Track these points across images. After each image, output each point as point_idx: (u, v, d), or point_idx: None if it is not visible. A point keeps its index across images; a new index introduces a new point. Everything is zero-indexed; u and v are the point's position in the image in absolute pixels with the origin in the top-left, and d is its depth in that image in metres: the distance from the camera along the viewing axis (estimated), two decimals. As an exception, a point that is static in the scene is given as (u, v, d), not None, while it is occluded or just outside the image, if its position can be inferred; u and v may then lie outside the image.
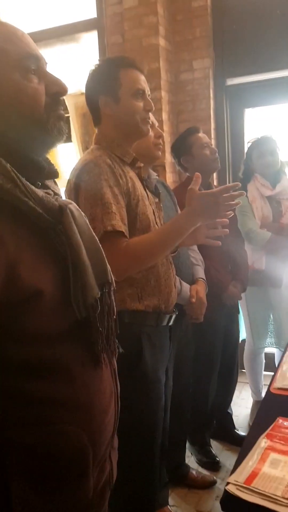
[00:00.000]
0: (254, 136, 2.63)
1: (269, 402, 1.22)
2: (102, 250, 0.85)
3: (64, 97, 2.96)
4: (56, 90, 0.79)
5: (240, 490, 0.85)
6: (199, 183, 1.34)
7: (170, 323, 1.55)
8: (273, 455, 0.94)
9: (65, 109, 3.10)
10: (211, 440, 2.43)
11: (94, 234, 0.85)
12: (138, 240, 1.35)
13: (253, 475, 0.89)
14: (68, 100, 3.00)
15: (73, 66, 3.30)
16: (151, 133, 1.66)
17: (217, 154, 2.23)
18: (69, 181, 1.42)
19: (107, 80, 1.41)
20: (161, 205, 1.62)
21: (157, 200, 1.58)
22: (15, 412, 0.73)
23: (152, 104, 1.48)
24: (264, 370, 2.74)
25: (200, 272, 2.00)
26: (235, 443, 2.41)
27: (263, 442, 0.99)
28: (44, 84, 0.78)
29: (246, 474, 0.89)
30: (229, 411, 2.57)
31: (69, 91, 3.15)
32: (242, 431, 2.52)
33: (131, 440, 1.46)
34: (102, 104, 1.43)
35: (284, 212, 2.51)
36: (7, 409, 0.73)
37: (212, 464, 2.26)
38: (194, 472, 2.17)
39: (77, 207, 0.83)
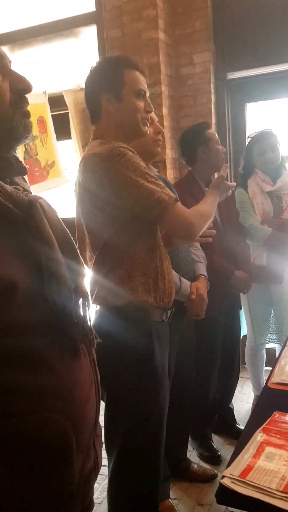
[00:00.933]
0: (254, 131, 2.61)
1: (267, 396, 1.23)
2: (74, 243, 0.87)
3: (63, 93, 2.94)
4: (21, 87, 0.81)
5: (235, 483, 0.86)
6: (227, 171, 1.64)
7: (170, 320, 1.56)
8: (268, 449, 0.94)
9: (58, 107, 3.10)
10: (213, 435, 2.44)
11: (65, 227, 0.86)
12: (196, 206, 1.52)
13: (248, 469, 0.89)
14: (67, 96, 2.99)
15: (72, 61, 3.29)
16: (150, 129, 1.66)
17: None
18: (92, 170, 1.36)
19: (110, 78, 1.43)
20: None
21: None
22: None
23: (152, 106, 1.52)
24: (266, 366, 2.74)
25: (202, 269, 1.99)
26: (236, 438, 2.40)
27: (259, 436, 0.99)
28: (9, 82, 0.80)
29: (241, 467, 0.90)
30: (230, 406, 2.58)
31: (68, 87, 3.13)
32: (243, 426, 2.52)
33: (139, 434, 1.47)
34: (104, 101, 1.43)
35: (284, 207, 2.50)
36: None
37: (213, 458, 2.27)
38: (195, 466, 2.18)
39: (47, 201, 0.84)
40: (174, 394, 1.79)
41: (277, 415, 1.07)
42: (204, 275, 1.97)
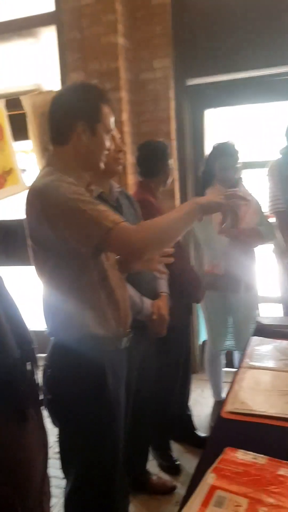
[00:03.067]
0: (217, 139, 2.63)
1: (220, 428, 1.24)
2: (21, 313, 0.88)
3: (21, 98, 2.84)
4: None
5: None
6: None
7: (127, 345, 1.56)
8: (218, 492, 0.96)
9: None
10: (173, 443, 2.48)
11: (12, 297, 0.86)
12: (148, 221, 1.35)
13: (198, 517, 0.90)
14: (25, 101, 2.89)
15: (31, 62, 3.19)
16: (112, 147, 1.63)
17: None
18: (31, 204, 1.35)
19: (90, 110, 1.41)
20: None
21: None
22: None
23: (115, 141, 1.54)
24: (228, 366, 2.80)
25: (163, 286, 2.00)
26: (196, 445, 2.47)
27: (210, 478, 1.01)
28: None
29: (192, 515, 0.91)
30: (188, 412, 2.62)
31: (26, 89, 3.04)
32: (203, 432, 2.57)
33: (94, 465, 1.46)
34: (79, 129, 1.40)
35: (241, 217, 2.54)
36: None
37: (173, 469, 2.31)
38: (154, 478, 2.21)
39: None
40: (134, 413, 1.80)
41: (228, 452, 1.09)
42: (166, 292, 1.98)
